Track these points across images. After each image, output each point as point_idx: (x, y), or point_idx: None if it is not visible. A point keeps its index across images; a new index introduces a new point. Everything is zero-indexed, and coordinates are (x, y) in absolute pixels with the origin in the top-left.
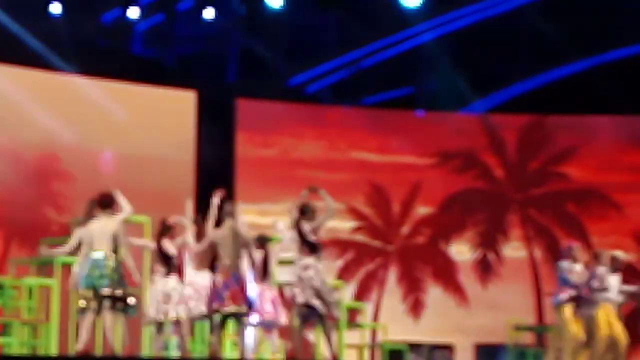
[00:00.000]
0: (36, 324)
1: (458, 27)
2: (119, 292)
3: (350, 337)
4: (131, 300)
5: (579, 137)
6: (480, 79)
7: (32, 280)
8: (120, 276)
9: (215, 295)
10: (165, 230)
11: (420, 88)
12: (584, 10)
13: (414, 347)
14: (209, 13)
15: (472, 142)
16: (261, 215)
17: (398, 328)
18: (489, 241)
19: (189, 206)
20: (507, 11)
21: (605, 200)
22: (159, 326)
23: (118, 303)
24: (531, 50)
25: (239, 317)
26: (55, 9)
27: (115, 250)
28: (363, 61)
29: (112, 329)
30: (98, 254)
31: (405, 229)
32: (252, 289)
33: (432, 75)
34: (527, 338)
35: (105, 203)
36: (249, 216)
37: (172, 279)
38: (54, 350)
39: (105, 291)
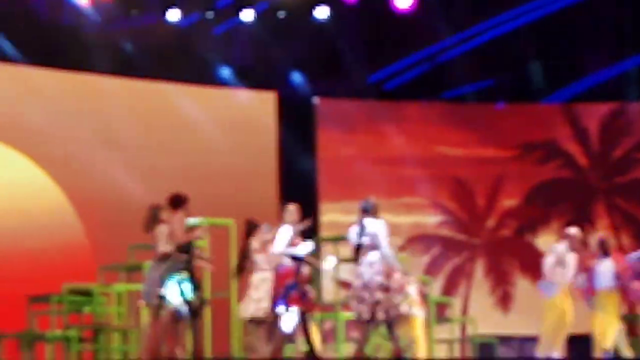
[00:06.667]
0: (126, 330)
1: (536, 17)
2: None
3: (440, 331)
4: None
5: None
6: (560, 69)
7: (121, 287)
8: None
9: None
10: (251, 229)
11: (499, 80)
12: None
13: (504, 340)
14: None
15: (554, 132)
16: (344, 213)
17: (487, 321)
18: None
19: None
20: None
21: None
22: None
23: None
24: (610, 38)
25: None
26: None
27: None
28: (441, 55)
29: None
30: None
31: (490, 222)
32: None
33: (511, 67)
34: None
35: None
36: (332, 215)
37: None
38: None
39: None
